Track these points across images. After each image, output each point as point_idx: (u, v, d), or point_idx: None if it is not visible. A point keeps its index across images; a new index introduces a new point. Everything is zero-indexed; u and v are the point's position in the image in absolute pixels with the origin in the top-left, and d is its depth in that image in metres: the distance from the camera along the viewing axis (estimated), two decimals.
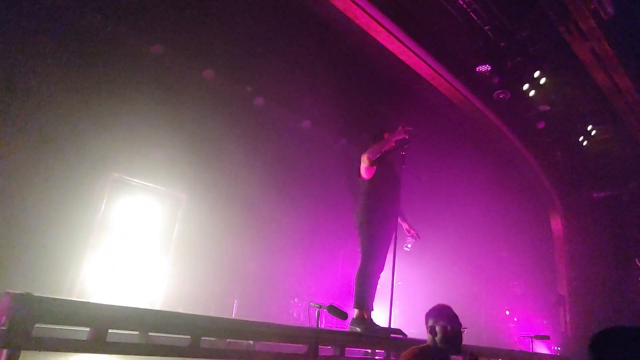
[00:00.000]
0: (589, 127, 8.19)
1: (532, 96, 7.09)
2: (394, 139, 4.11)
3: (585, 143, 8.40)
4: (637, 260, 2.06)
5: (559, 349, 8.20)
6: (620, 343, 0.58)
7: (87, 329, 2.23)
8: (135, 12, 5.79)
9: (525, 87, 6.95)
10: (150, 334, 2.56)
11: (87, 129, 5.48)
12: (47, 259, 4.87)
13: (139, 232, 5.87)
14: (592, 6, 5.61)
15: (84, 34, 5.56)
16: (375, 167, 4.13)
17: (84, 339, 2.22)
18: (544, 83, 6.93)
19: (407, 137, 4.09)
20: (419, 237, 4.18)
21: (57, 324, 2.22)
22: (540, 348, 7.50)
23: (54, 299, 2.17)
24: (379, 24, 5.90)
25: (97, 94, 5.61)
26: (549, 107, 7.52)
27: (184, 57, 6.54)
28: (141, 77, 6.03)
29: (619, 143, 8.41)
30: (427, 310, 2.73)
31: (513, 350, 5.31)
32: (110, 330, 2.27)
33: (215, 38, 6.27)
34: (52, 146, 5.21)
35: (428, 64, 6.52)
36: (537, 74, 6.85)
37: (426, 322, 2.69)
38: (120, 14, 5.78)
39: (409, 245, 4.17)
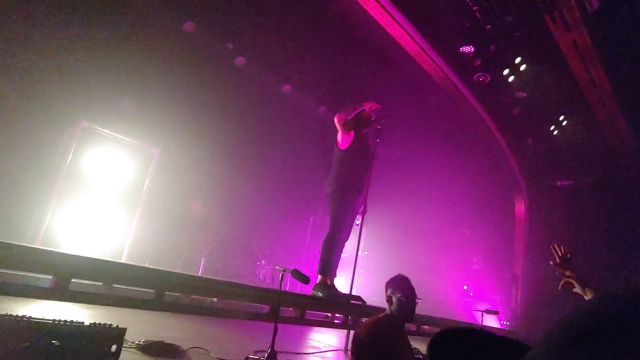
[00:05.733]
0: (561, 117, 8.41)
1: (511, 82, 7.19)
2: (365, 105, 4.20)
3: (555, 132, 8.65)
4: (551, 262, 2.16)
5: (508, 323, 8.73)
6: (454, 344, 0.63)
7: (50, 277, 2.24)
8: None
9: (506, 72, 7.03)
10: (114, 285, 2.59)
11: (56, 73, 5.25)
12: (10, 205, 4.76)
13: (108, 183, 5.77)
14: None
15: None
16: (352, 134, 4.17)
17: (47, 286, 2.23)
18: (524, 70, 7.02)
19: (378, 107, 4.21)
20: (365, 211, 4.27)
21: (20, 270, 2.22)
22: (490, 322, 7.95)
23: (17, 245, 2.17)
24: None
25: (68, 39, 5.35)
26: (525, 94, 7.65)
27: (165, 7, 6.27)
28: (118, 26, 5.78)
29: (588, 135, 8.69)
30: (387, 280, 2.86)
31: (460, 322, 5.62)
32: (73, 280, 2.29)
33: None
34: (19, 91, 4.99)
35: (414, 39, 6.48)
36: (518, 59, 6.93)
37: (385, 291, 2.83)
38: None
39: (357, 222, 4.25)
